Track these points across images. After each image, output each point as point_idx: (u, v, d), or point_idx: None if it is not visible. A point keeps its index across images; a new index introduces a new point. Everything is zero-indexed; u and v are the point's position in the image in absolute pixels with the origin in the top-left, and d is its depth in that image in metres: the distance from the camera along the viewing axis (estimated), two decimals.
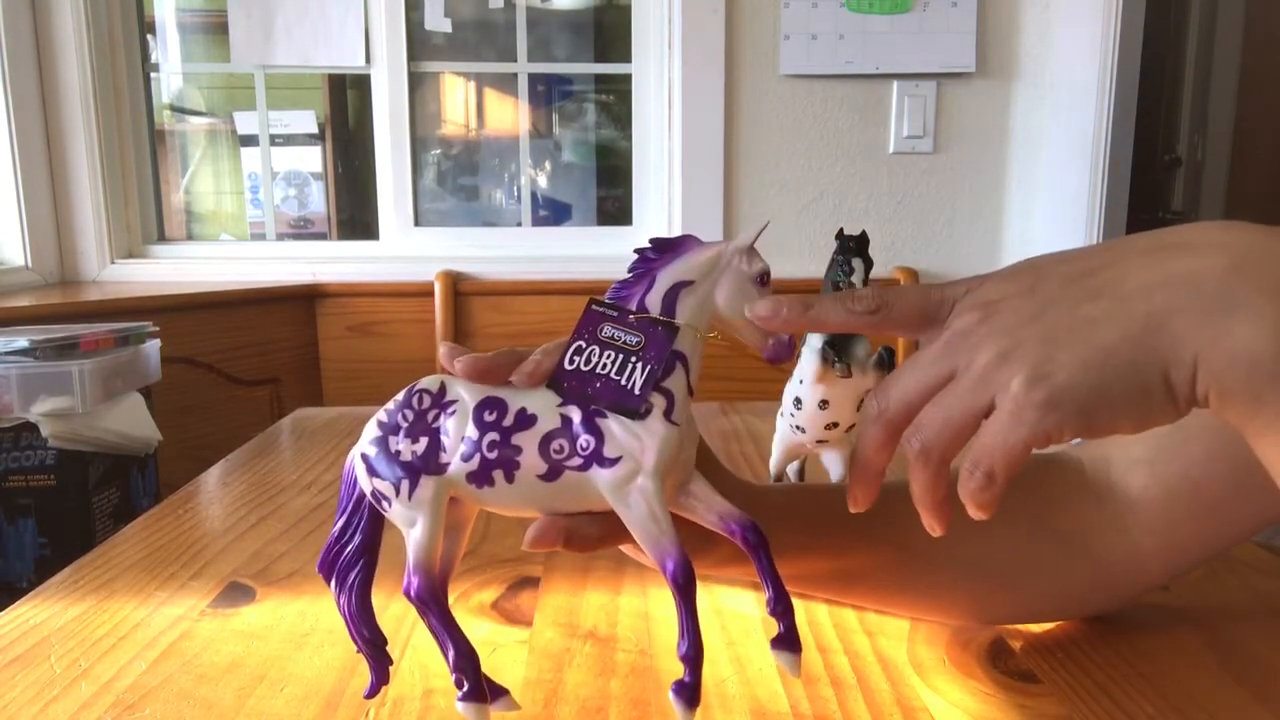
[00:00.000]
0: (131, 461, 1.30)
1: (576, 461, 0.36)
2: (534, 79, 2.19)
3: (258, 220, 2.24)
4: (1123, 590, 0.51)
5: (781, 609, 0.36)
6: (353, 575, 0.39)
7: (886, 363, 0.55)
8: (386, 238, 2.13)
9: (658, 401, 0.36)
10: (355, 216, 2.31)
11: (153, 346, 1.37)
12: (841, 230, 0.55)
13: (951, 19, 1.95)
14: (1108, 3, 1.81)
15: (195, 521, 0.72)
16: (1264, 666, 0.48)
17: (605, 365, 0.37)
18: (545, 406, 0.37)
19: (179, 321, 1.70)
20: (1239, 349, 0.29)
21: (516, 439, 0.36)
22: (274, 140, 2.20)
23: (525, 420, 0.36)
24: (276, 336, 1.93)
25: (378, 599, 0.40)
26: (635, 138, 2.11)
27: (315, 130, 2.28)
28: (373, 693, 0.40)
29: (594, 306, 0.38)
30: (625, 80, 2.11)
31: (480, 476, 0.36)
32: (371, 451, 0.37)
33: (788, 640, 0.36)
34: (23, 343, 1.20)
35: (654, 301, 0.37)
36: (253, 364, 1.88)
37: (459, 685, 0.37)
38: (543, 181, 2.27)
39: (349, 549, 0.39)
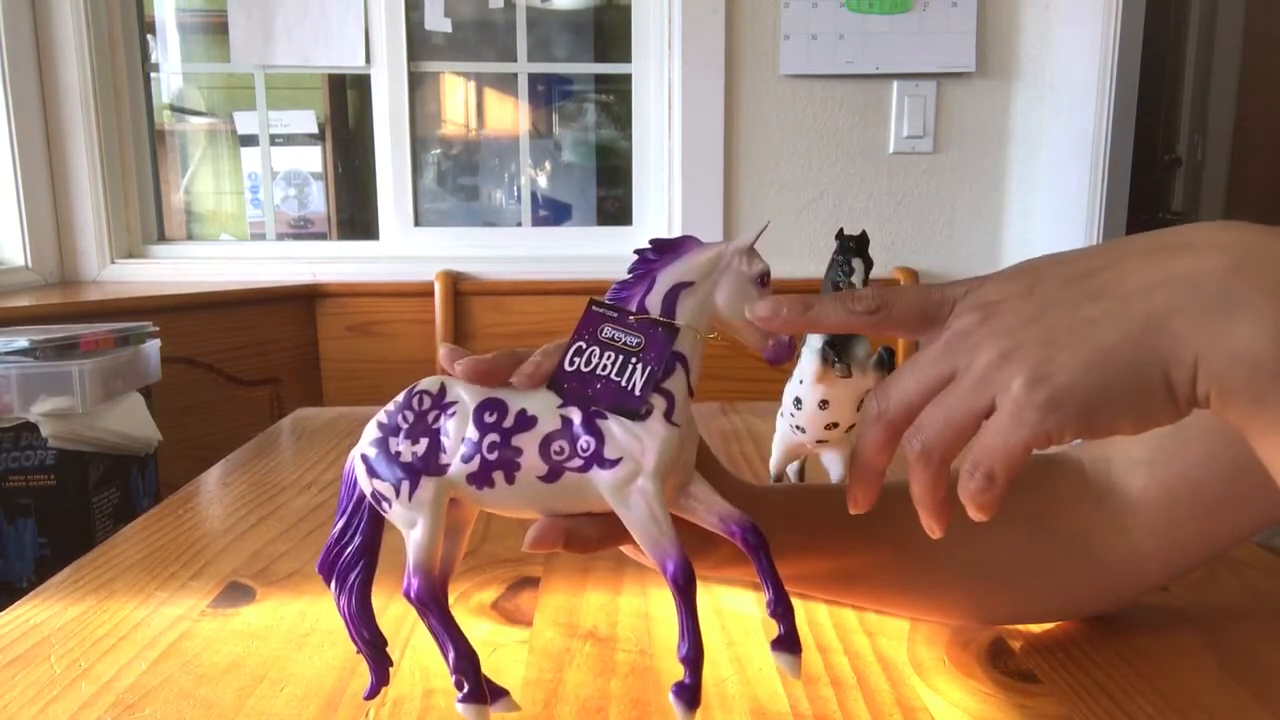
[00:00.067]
0: (131, 461, 1.30)
1: (577, 463, 0.36)
2: (534, 79, 2.19)
3: (258, 220, 2.24)
4: (1123, 591, 0.51)
5: (781, 610, 0.36)
6: (353, 576, 0.39)
7: (886, 363, 0.55)
8: (386, 238, 2.13)
9: (658, 403, 0.36)
10: (355, 216, 2.31)
11: (153, 346, 1.37)
12: (841, 230, 0.55)
13: (951, 19, 1.95)
14: (1108, 3, 1.81)
15: (195, 521, 0.72)
16: (1264, 666, 0.48)
17: (605, 366, 0.37)
18: (545, 408, 0.37)
19: (179, 321, 1.70)
20: (1240, 349, 0.29)
21: (517, 440, 0.36)
22: (274, 140, 2.20)
23: (525, 421, 0.36)
24: (276, 336, 1.93)
25: (378, 600, 0.40)
26: (635, 138, 2.11)
27: (315, 130, 2.28)
28: (373, 693, 0.40)
29: (594, 307, 0.38)
30: (625, 80, 2.11)
31: (480, 478, 0.36)
32: (372, 452, 0.37)
33: (788, 642, 0.36)
34: (23, 343, 1.20)
35: (654, 302, 0.37)
36: (253, 364, 1.88)
37: (459, 687, 0.37)
38: (543, 181, 2.27)
39: (349, 550, 0.39)
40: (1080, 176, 1.90)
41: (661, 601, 0.56)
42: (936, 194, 2.05)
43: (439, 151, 2.24)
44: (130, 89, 2.03)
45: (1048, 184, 1.99)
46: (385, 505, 0.37)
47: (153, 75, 2.13)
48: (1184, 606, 0.55)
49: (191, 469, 0.87)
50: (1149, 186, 2.25)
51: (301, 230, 2.29)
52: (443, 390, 0.38)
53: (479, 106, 2.27)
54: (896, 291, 0.36)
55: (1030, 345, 0.31)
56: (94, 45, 1.92)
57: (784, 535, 0.45)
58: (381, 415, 0.38)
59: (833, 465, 0.62)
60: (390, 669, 0.40)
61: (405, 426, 0.37)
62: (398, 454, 0.37)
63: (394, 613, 0.53)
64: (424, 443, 0.37)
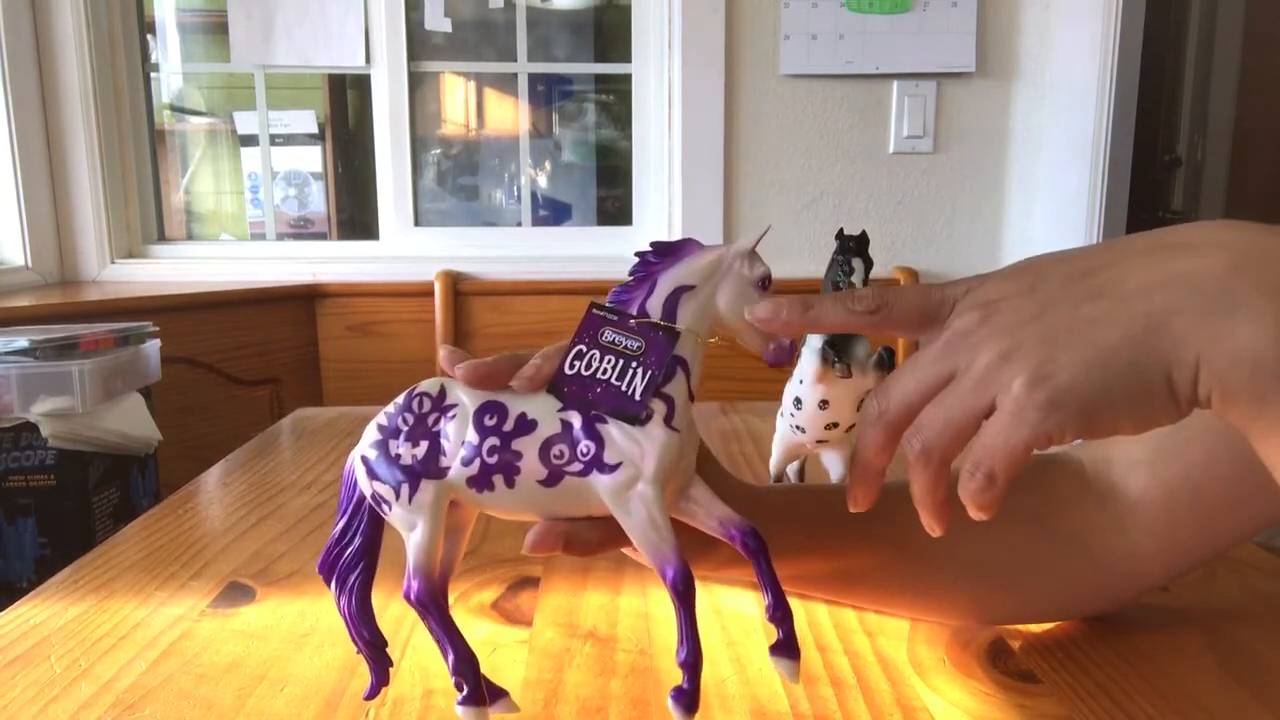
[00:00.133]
0: (131, 461, 1.30)
1: (577, 467, 0.36)
2: (534, 79, 2.19)
3: (258, 220, 2.24)
4: (1123, 591, 0.51)
5: (780, 615, 0.36)
6: (353, 577, 0.39)
7: (886, 363, 0.55)
8: (386, 238, 2.13)
9: (658, 407, 0.36)
10: (355, 216, 2.31)
11: (153, 346, 1.37)
12: (841, 230, 0.55)
13: (951, 19, 1.95)
14: (1108, 3, 1.81)
15: (195, 521, 0.72)
16: (1264, 666, 0.48)
17: (606, 370, 0.37)
18: (545, 411, 0.36)
19: (179, 321, 1.70)
20: (1241, 349, 0.28)
21: (517, 444, 0.36)
22: (274, 140, 2.20)
23: (525, 425, 0.36)
24: (276, 336, 1.93)
25: (378, 600, 0.40)
26: (635, 138, 2.11)
27: (315, 130, 2.28)
28: (373, 694, 0.40)
29: (595, 310, 0.38)
30: (625, 80, 2.11)
31: (480, 481, 0.36)
32: (372, 454, 0.37)
33: (787, 647, 0.36)
34: (23, 343, 1.20)
35: (655, 306, 0.37)
36: (253, 364, 1.88)
37: (459, 688, 0.37)
38: (543, 181, 2.27)
39: (349, 551, 0.39)
40: (1080, 176, 1.90)
41: (661, 601, 0.56)
42: (936, 194, 2.05)
43: (439, 151, 2.24)
44: (130, 89, 2.03)
45: (1048, 184, 1.99)
46: (385, 507, 0.37)
47: (153, 75, 2.13)
48: (1184, 606, 0.55)
49: (191, 469, 0.87)
50: (1149, 186, 2.25)
51: (301, 230, 2.29)
52: (443, 393, 0.38)
53: (479, 106, 2.27)
54: (896, 291, 0.36)
55: (1031, 345, 0.31)
56: (94, 45, 1.92)
57: (784, 536, 0.45)
58: (381, 417, 0.38)
59: (833, 465, 0.62)
60: (390, 669, 0.40)
61: (405, 429, 0.37)
62: (398, 456, 0.37)
63: (394, 613, 0.53)
64: (424, 445, 0.37)
